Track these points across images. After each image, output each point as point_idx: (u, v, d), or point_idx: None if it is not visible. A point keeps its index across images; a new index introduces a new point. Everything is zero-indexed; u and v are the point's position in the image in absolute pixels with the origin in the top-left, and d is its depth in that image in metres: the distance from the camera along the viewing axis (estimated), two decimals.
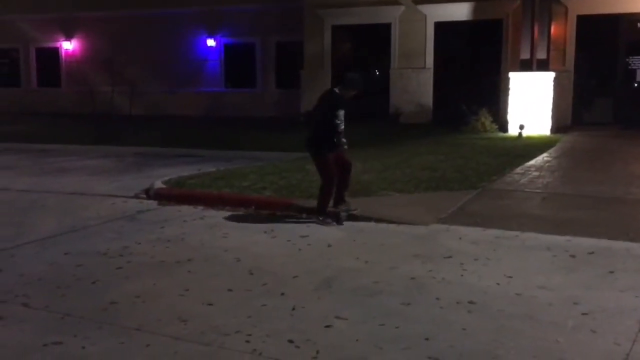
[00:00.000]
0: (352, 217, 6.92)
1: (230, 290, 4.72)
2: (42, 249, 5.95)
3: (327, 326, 4.03)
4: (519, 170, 9.90)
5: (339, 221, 6.79)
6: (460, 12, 18.73)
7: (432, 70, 19.38)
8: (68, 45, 26.61)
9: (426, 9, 19.14)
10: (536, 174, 9.61)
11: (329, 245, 5.94)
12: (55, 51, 26.91)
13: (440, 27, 19.18)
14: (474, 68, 18.86)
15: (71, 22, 26.12)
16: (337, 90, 7.05)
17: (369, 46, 20.56)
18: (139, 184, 9.13)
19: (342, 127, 6.84)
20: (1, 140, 15.43)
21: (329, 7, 20.10)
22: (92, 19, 25.68)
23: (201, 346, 3.77)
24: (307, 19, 20.56)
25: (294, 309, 4.32)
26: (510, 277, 4.93)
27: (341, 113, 6.78)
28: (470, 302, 4.39)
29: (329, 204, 6.92)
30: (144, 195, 8.48)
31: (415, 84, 19.51)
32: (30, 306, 4.42)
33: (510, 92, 15.94)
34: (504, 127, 15.90)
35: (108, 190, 9.07)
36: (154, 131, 17.09)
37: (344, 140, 6.96)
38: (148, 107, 24.35)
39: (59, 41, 26.69)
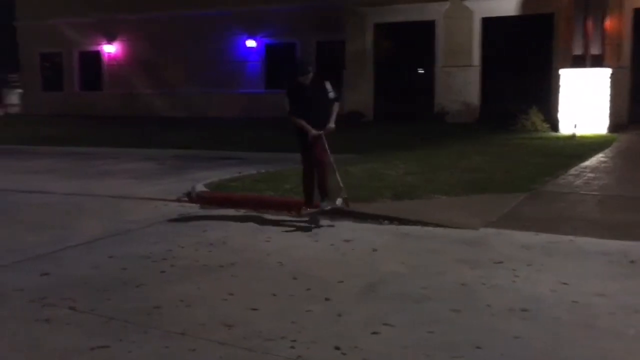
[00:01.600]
0: (398, 221, 6.87)
1: (274, 294, 4.75)
2: (87, 252, 6.09)
3: (374, 333, 4.01)
4: (572, 171, 9.70)
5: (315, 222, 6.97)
6: (509, 7, 18.47)
7: (479, 68, 19.18)
8: (110, 49, 27.27)
9: (473, 4, 18.95)
10: (591, 175, 9.40)
11: (374, 250, 5.92)
12: (97, 54, 27.62)
13: (487, 22, 18.97)
14: (523, 65, 18.55)
15: (112, 25, 26.75)
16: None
17: (413, 44, 20.46)
18: (181, 187, 9.26)
19: (298, 112, 6.98)
20: (45, 144, 15.89)
21: (371, 5, 20.07)
22: (132, 22, 26.25)
23: (245, 351, 3.80)
24: (348, 17, 20.58)
25: (339, 315, 4.32)
26: (565, 283, 4.83)
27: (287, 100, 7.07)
28: (523, 310, 4.31)
29: (311, 196, 7.11)
30: (186, 199, 8.61)
31: (462, 82, 19.32)
32: (76, 309, 4.53)
33: (562, 90, 15.63)
34: (555, 126, 15.60)
35: (150, 193, 9.23)
36: (194, 133, 17.35)
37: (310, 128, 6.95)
38: (188, 109, 24.74)
39: (100, 44, 27.38)
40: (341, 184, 6.97)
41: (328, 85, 7.03)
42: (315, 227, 6.83)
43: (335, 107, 7.04)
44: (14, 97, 31.36)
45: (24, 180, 10.74)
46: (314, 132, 6.89)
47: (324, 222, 7.02)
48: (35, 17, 28.26)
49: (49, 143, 15.99)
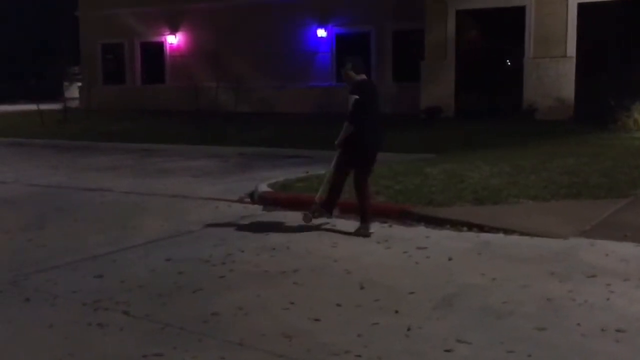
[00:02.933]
0: (478, 228, 6.76)
1: (339, 305, 4.75)
2: (143, 254, 6.27)
3: (447, 350, 3.95)
4: None
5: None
6: None
7: (574, 59, 18.63)
8: (172, 39, 27.97)
9: None
10: None
11: (450, 259, 5.84)
12: (160, 46, 28.40)
13: (584, 8, 18.40)
14: (625, 56, 17.85)
15: (176, 14, 27.47)
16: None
17: (499, 33, 20.07)
18: (244, 187, 9.40)
19: None
20: (105, 140, 16.48)
21: None
22: (196, 11, 26.87)
23: None
24: (428, 4, 20.40)
25: (409, 329, 4.27)
26: None
27: None
28: (619, 331, 4.15)
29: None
30: (248, 199, 8.74)
31: (554, 75, 18.83)
32: (130, 314, 4.66)
33: None
34: None
35: (211, 193, 9.41)
36: (260, 130, 17.59)
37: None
38: (254, 104, 25.10)
39: (163, 35, 28.12)
40: (318, 197, 7.13)
41: (350, 98, 6.75)
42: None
43: (346, 128, 6.76)
44: (74, 91, 32.59)
45: (85, 177, 11.18)
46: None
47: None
48: (97, 6, 29.39)
49: (110, 139, 16.57)
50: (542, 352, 3.90)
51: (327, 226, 7.16)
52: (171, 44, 28.10)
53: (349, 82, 6.89)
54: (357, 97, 6.67)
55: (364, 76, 6.95)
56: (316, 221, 7.14)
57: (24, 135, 18.26)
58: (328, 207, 7.06)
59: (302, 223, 7.11)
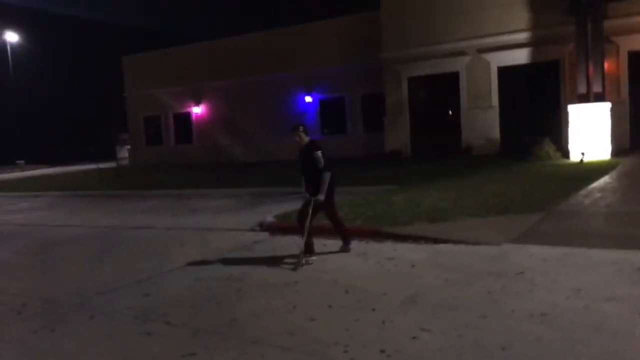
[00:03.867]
0: (433, 241, 6.74)
1: (329, 306, 4.71)
2: (180, 276, 6.19)
3: (414, 337, 3.91)
4: (582, 192, 9.30)
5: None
6: (520, 57, 18.14)
7: (497, 109, 18.82)
8: (197, 110, 28.11)
9: (490, 56, 18.71)
10: (599, 195, 8.99)
11: (413, 266, 5.80)
12: (188, 115, 28.53)
13: (502, 70, 18.65)
14: (535, 104, 18.09)
15: (199, 91, 27.66)
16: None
17: (441, 92, 20.26)
18: (254, 219, 9.35)
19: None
20: (147, 188, 16.41)
21: (404, 63, 20.10)
22: (214, 88, 27.11)
23: (306, 356, 3.76)
24: (386, 73, 20.63)
25: (383, 322, 4.24)
26: (579, 290, 4.60)
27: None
28: (542, 314, 4.13)
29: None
30: (258, 228, 8.68)
31: (483, 120, 18.99)
32: (170, 323, 4.60)
33: (571, 123, 15.15)
34: (566, 154, 15.08)
35: (229, 224, 9.35)
36: (265, 174, 17.58)
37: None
38: (260, 155, 25.17)
39: (190, 107, 28.27)
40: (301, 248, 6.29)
41: (317, 154, 6.25)
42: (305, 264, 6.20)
43: (325, 177, 6.21)
44: (124, 152, 32.61)
45: (132, 219, 11.10)
46: (305, 193, 6.38)
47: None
48: (139, 88, 29.60)
49: (151, 188, 16.51)
50: (486, 335, 3.87)
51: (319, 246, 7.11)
52: (196, 113, 28.22)
53: (302, 141, 6.43)
54: (321, 151, 6.32)
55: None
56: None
57: (85, 189, 18.17)
58: (311, 249, 6.41)
59: (301, 245, 6.99)
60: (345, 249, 6.68)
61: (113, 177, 21.81)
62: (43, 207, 14.65)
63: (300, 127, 6.50)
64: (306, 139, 6.49)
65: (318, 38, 24.05)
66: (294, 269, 6.02)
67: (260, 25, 28.03)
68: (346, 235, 6.71)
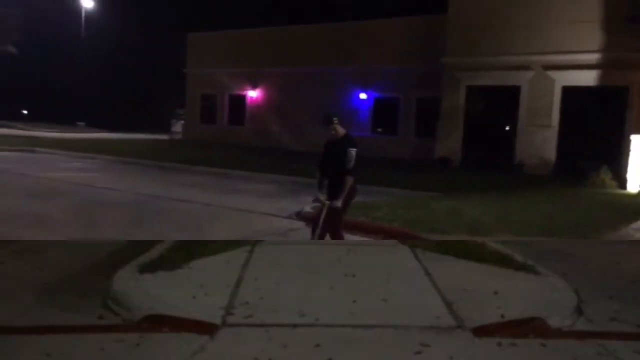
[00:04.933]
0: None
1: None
2: None
3: None
4: (634, 225, 8.86)
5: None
6: (587, 78, 17.48)
7: (556, 129, 18.22)
8: (252, 93, 28.43)
9: (555, 74, 18.10)
10: None
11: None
12: (242, 97, 28.90)
13: (567, 90, 18.02)
14: (596, 129, 17.38)
15: (256, 75, 27.95)
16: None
17: (499, 104, 19.77)
18: (293, 207, 9.35)
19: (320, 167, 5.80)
20: (195, 164, 16.70)
21: (466, 70, 19.70)
22: (270, 74, 27.34)
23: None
24: (445, 79, 20.29)
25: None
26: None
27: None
28: None
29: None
30: (295, 217, 8.69)
31: (540, 139, 18.42)
32: None
33: (632, 153, 14.47)
34: (622, 184, 14.42)
35: (268, 210, 9.42)
36: (311, 165, 17.52)
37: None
38: (308, 145, 25.16)
39: (245, 90, 28.63)
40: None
41: (352, 152, 5.53)
42: None
43: (347, 181, 5.46)
44: (178, 126, 33.35)
45: (176, 190, 11.33)
46: (321, 198, 5.57)
47: None
48: (200, 67, 30.19)
49: (199, 164, 16.79)
50: None
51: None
52: (251, 97, 28.55)
53: (337, 134, 5.78)
54: (356, 149, 5.58)
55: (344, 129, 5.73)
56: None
57: (138, 157, 18.56)
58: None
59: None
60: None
61: (164, 149, 22.33)
62: (94, 169, 15.18)
63: (335, 118, 5.69)
64: (342, 131, 5.75)
65: (379, 36, 23.86)
66: None
67: (319, 18, 27.88)
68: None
